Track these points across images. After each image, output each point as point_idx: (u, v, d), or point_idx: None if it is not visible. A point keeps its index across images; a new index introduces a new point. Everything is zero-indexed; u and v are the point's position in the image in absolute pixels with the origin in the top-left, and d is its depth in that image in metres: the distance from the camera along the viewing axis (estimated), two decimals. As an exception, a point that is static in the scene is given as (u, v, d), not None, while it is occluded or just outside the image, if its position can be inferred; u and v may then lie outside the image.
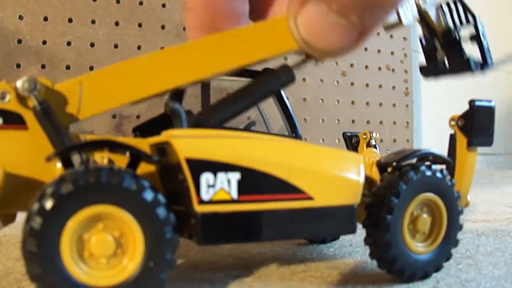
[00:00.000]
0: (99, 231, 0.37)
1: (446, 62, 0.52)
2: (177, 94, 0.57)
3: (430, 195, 0.48)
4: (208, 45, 0.49)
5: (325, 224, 0.46)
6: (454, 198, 0.50)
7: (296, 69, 0.52)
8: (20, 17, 1.10)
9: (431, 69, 0.54)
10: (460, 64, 0.51)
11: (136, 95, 0.48)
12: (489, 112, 0.56)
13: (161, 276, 0.38)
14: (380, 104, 1.62)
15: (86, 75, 0.47)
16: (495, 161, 2.13)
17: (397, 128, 1.65)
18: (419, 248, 0.48)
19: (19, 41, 1.10)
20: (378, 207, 0.47)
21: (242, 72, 0.55)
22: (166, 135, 0.42)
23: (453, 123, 0.56)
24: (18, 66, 1.10)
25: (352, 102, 1.57)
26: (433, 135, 1.83)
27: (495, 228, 0.77)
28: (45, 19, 1.13)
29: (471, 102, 0.55)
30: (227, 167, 0.41)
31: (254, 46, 0.50)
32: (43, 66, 1.13)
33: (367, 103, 1.59)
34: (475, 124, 0.55)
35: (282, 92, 0.62)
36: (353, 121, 1.56)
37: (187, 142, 0.41)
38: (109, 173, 0.37)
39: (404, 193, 0.47)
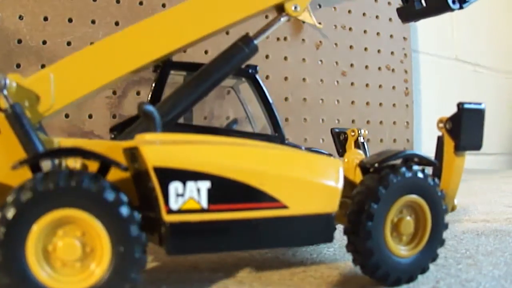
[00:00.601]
0: (64, 235, 0.37)
1: (423, 1, 0.50)
2: (156, 94, 0.56)
3: (412, 196, 0.47)
4: (192, 7, 0.49)
5: (301, 233, 0.45)
6: (438, 197, 0.48)
7: (262, 34, 0.51)
8: (20, 17, 1.10)
9: (408, 11, 0.52)
10: (438, 2, 0.49)
11: (112, 74, 0.48)
12: (478, 115, 0.53)
13: (132, 276, 0.37)
14: (380, 104, 1.62)
15: (55, 65, 0.47)
16: (495, 161, 2.13)
17: (397, 128, 1.65)
18: (403, 251, 0.47)
19: (19, 41, 1.10)
20: (357, 214, 0.45)
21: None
22: (137, 140, 0.41)
23: (441, 125, 0.54)
24: (18, 66, 1.10)
25: (352, 102, 1.56)
26: (433, 135, 1.82)
27: (495, 228, 0.77)
28: (45, 19, 1.13)
29: (459, 105, 0.53)
30: (197, 176, 0.40)
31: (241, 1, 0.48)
32: (43, 66, 1.13)
33: (367, 103, 1.59)
34: (463, 127, 0.52)
35: (266, 90, 0.61)
36: (353, 121, 1.56)
37: (155, 150, 0.40)
38: (67, 177, 0.36)
39: (384, 197, 0.45)
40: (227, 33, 1.08)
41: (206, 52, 1.27)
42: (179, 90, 0.50)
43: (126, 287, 0.37)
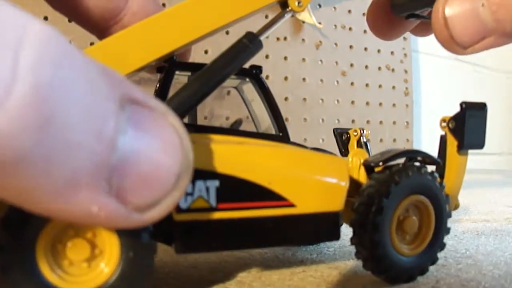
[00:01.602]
0: (73, 236, 0.36)
1: None
2: (161, 95, 0.56)
3: (420, 197, 0.48)
4: (196, 4, 0.48)
5: (308, 231, 0.45)
6: (444, 201, 0.49)
7: (266, 31, 0.51)
8: (20, 17, 1.10)
9: (405, 4, 0.51)
10: None
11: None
12: (481, 114, 0.53)
13: (138, 283, 0.37)
14: (380, 104, 1.62)
15: None
16: (495, 161, 2.13)
17: (397, 128, 1.65)
18: (406, 250, 0.47)
19: (19, 41, 1.10)
20: (367, 207, 0.46)
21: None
22: None
23: (444, 124, 0.54)
24: (18, 66, 1.10)
25: (352, 102, 1.56)
26: (433, 135, 1.82)
27: (495, 228, 0.77)
28: (45, 19, 1.13)
29: (462, 104, 0.53)
30: (206, 175, 0.40)
31: None
32: (43, 66, 1.13)
33: (367, 103, 1.59)
34: (466, 127, 0.53)
35: (270, 91, 0.61)
36: (353, 121, 1.56)
37: None
38: None
39: (395, 193, 0.46)
40: (227, 32, 1.08)
41: (206, 52, 1.27)
42: (184, 89, 0.50)
43: None
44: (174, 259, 0.56)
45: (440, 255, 0.50)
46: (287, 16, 0.51)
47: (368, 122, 1.59)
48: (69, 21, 1.15)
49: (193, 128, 0.56)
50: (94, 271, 0.37)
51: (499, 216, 0.88)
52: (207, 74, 0.50)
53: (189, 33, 0.49)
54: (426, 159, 0.51)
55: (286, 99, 1.44)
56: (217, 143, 0.43)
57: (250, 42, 0.50)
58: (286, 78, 1.44)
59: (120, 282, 0.37)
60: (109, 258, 0.37)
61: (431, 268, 0.52)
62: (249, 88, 0.64)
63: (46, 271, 0.35)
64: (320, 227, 0.46)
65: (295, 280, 0.49)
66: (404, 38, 1.68)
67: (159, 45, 0.49)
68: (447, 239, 0.50)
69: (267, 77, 1.40)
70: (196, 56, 1.21)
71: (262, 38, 0.51)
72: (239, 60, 0.50)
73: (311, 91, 1.49)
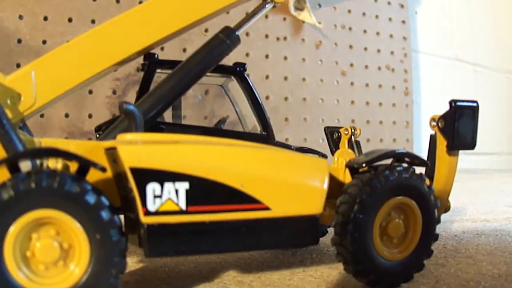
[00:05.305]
0: (42, 236, 0.36)
1: None
2: (142, 93, 0.55)
3: (406, 199, 0.46)
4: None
5: (284, 235, 0.44)
6: (432, 205, 0.47)
7: (244, 24, 0.50)
8: (20, 17, 1.10)
9: None
10: None
11: (93, 69, 0.47)
12: (471, 113, 0.51)
13: (111, 281, 0.37)
14: (380, 104, 1.62)
15: (36, 61, 0.46)
16: (495, 161, 2.13)
17: (397, 128, 1.65)
18: (389, 254, 0.46)
19: (19, 41, 1.10)
20: (349, 205, 0.44)
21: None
22: (116, 140, 0.40)
23: (433, 123, 0.52)
24: (18, 66, 1.10)
25: (352, 102, 1.56)
26: (433, 135, 1.81)
27: (495, 228, 0.77)
28: (45, 19, 1.13)
29: (452, 102, 0.51)
30: (175, 177, 0.40)
31: None
32: (43, 66, 1.13)
33: (367, 103, 1.59)
34: (456, 126, 0.50)
35: (254, 89, 0.60)
36: (353, 121, 1.56)
37: (132, 150, 0.39)
38: (50, 177, 0.36)
39: (379, 193, 0.44)
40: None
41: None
42: (159, 87, 0.49)
43: None
44: (174, 259, 0.56)
45: (440, 255, 0.50)
46: (268, 6, 0.50)
47: (368, 122, 1.59)
48: (69, 21, 1.16)
49: (176, 128, 0.55)
50: (67, 270, 0.37)
51: (499, 216, 0.88)
52: (182, 71, 0.49)
53: (169, 25, 0.48)
54: (414, 160, 0.48)
55: (286, 99, 1.44)
56: (189, 144, 0.42)
57: (227, 37, 0.50)
58: (286, 78, 1.44)
59: (92, 281, 0.37)
60: (79, 257, 0.37)
61: (431, 268, 0.52)
62: (234, 86, 0.63)
63: (14, 271, 0.35)
64: (297, 231, 0.44)
65: (295, 280, 0.49)
66: (404, 38, 1.68)
67: (135, 40, 0.48)
68: (446, 239, 0.50)
69: (267, 77, 1.40)
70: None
71: (240, 32, 0.51)
72: (215, 55, 0.49)
73: (311, 91, 1.49)
